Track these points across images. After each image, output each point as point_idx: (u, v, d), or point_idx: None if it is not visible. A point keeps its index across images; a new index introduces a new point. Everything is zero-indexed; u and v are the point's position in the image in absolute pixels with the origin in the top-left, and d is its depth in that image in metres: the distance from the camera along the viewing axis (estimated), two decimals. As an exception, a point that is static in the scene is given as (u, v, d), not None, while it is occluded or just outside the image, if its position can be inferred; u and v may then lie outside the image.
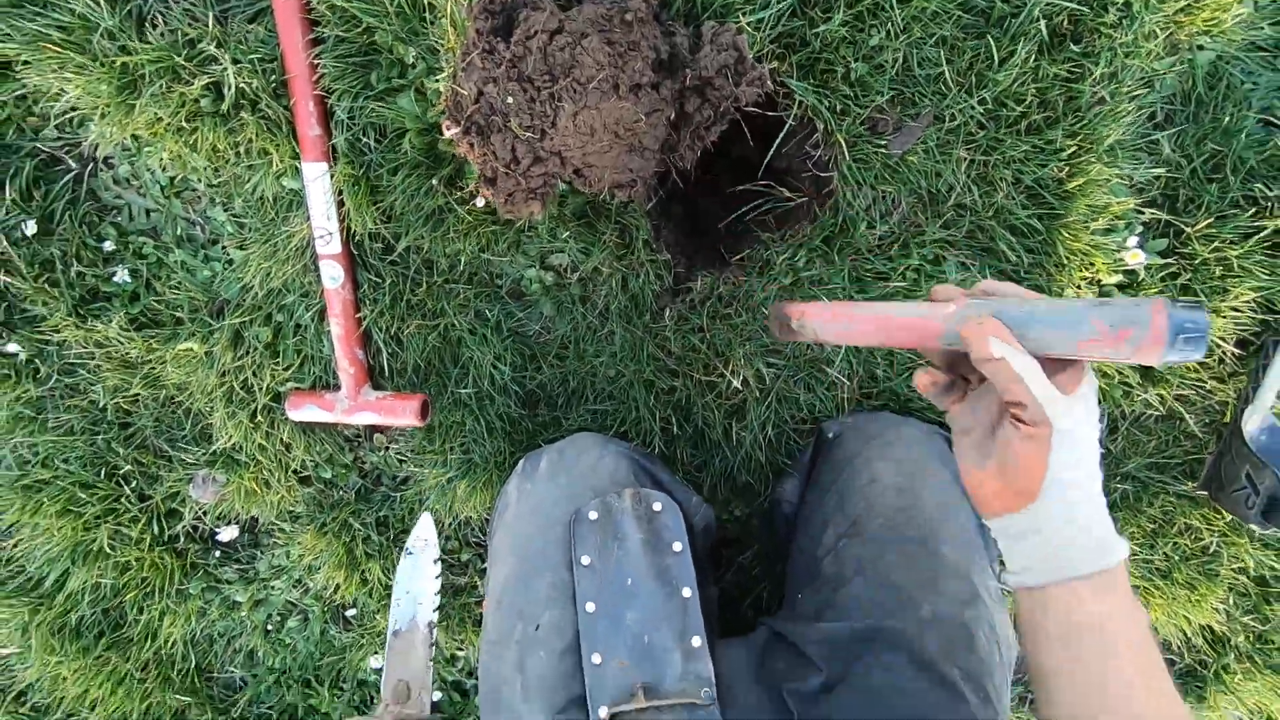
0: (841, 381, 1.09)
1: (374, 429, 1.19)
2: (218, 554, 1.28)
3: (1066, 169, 0.95)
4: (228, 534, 1.25)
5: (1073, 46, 0.90)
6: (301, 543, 1.22)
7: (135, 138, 1.01)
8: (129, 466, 1.17)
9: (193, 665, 1.33)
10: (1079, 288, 1.01)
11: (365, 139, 0.96)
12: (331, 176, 0.97)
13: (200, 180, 1.04)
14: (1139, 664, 0.54)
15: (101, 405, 1.14)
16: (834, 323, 0.62)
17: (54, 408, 1.14)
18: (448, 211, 0.99)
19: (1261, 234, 0.98)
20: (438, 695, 1.35)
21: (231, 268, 1.07)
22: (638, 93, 0.81)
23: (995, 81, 0.91)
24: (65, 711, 1.34)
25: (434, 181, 0.96)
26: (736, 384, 1.08)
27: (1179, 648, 1.31)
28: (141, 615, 1.27)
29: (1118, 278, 1.01)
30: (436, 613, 0.91)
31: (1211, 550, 1.19)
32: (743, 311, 1.06)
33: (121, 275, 1.08)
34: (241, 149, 0.97)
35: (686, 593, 0.79)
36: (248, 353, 1.08)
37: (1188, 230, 1.00)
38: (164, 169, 1.04)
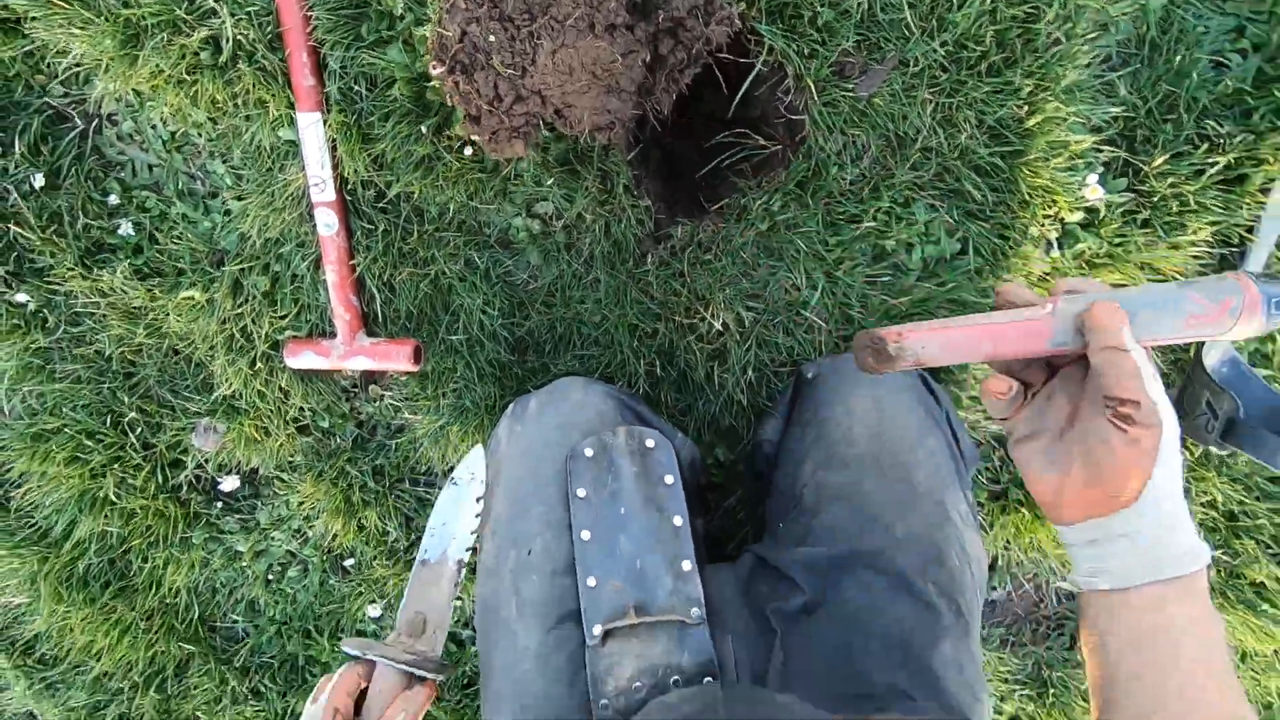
0: (819, 324, 1.13)
1: (369, 377, 1.23)
2: (219, 504, 1.32)
3: (1026, 108, 1.00)
4: (229, 484, 1.29)
5: (1028, -12, 0.95)
6: (300, 490, 1.26)
7: (137, 93, 1.06)
8: (133, 414, 1.21)
9: (196, 615, 1.37)
10: (1043, 224, 1.06)
11: (357, 88, 1.01)
12: (325, 125, 1.02)
13: (200, 135, 1.08)
14: (1214, 669, 0.52)
15: (107, 355, 1.18)
16: (935, 339, 0.56)
17: (61, 357, 1.19)
18: (436, 159, 1.04)
19: (1214, 169, 1.02)
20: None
21: (230, 219, 1.12)
22: (613, 33, 0.86)
23: (955, 24, 0.96)
24: (71, 663, 1.38)
25: (423, 129, 1.01)
26: (718, 326, 1.13)
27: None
28: (146, 564, 1.31)
29: (1079, 215, 1.06)
30: (469, 552, 0.87)
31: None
32: (722, 256, 1.11)
33: (125, 228, 1.13)
34: (239, 100, 1.02)
35: (677, 521, 0.82)
36: (246, 300, 1.13)
37: (1145, 168, 1.05)
38: (165, 124, 1.09)
